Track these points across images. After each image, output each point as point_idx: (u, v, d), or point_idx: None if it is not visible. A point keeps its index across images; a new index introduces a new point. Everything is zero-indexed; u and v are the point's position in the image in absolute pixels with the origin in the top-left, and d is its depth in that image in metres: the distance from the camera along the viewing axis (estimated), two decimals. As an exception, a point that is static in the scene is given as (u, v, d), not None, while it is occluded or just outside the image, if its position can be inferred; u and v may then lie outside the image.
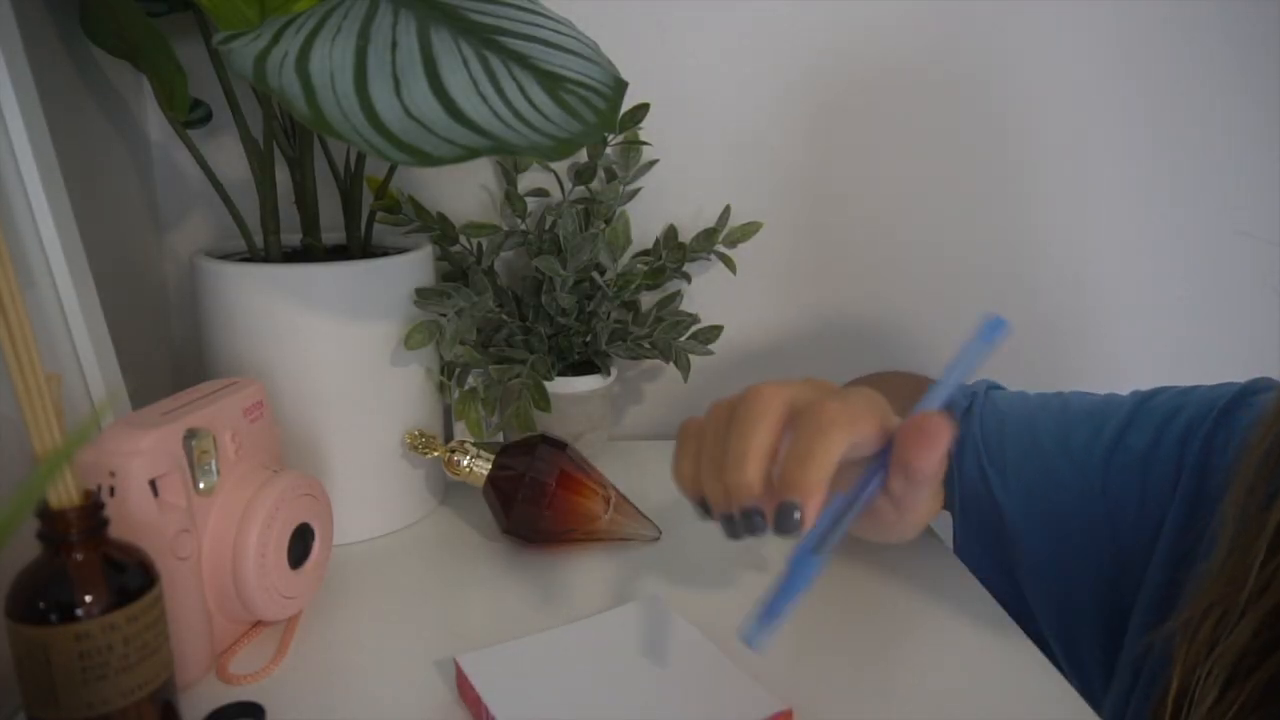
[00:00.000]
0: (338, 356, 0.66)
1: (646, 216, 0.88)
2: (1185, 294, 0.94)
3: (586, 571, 0.65)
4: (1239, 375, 0.61)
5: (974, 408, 0.67)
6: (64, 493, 0.39)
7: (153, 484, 0.48)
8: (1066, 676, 0.53)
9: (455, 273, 0.81)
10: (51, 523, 0.39)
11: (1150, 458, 0.58)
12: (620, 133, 0.82)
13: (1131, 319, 0.94)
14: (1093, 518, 0.60)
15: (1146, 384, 0.65)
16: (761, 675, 0.51)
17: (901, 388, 0.73)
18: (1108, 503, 0.59)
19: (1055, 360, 0.95)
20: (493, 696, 0.48)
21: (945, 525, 0.76)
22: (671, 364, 0.82)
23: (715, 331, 0.83)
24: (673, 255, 0.84)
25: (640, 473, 0.82)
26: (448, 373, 0.73)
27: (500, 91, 0.52)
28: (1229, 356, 0.95)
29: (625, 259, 0.83)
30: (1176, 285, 0.94)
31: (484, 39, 0.55)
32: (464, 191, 0.88)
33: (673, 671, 0.51)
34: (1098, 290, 0.94)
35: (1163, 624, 0.53)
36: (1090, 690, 0.60)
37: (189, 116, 0.73)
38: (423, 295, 0.69)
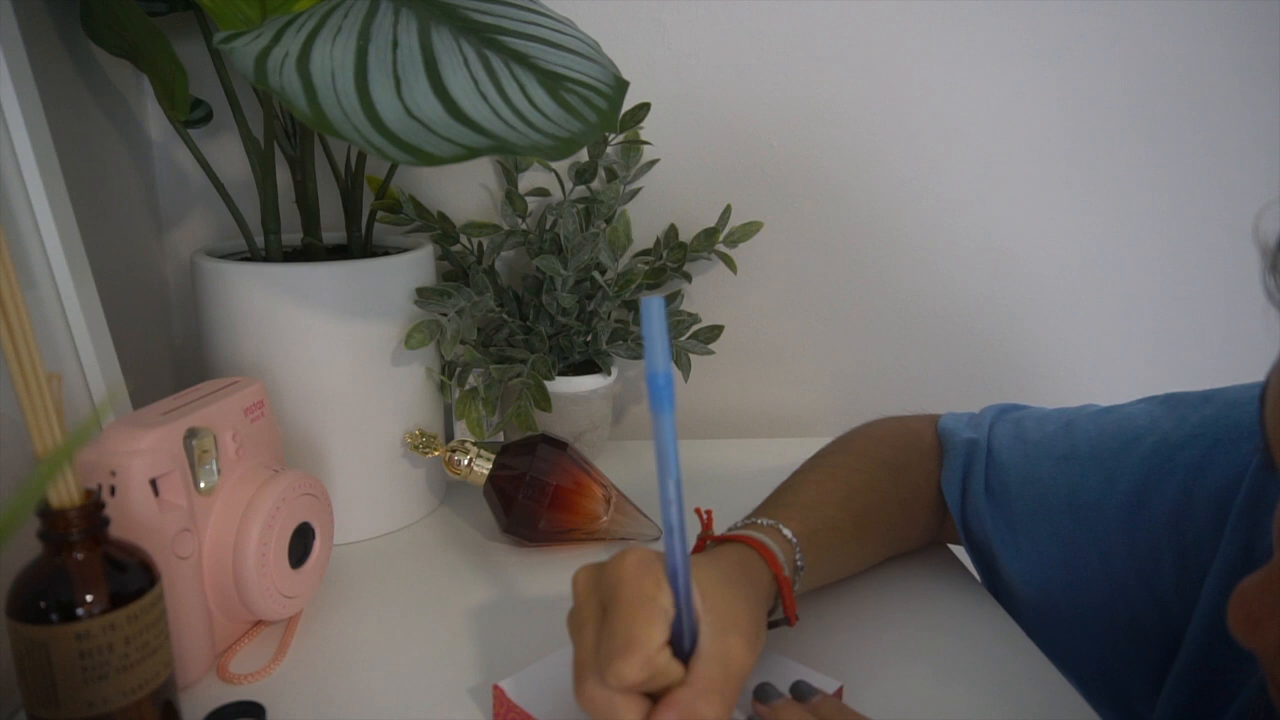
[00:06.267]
0: (338, 356, 0.66)
1: (647, 216, 0.88)
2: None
3: (587, 571, 0.65)
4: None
5: (973, 470, 0.62)
6: (65, 492, 0.39)
7: (153, 483, 0.48)
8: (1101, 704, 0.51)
9: (456, 272, 0.81)
10: (52, 522, 0.39)
11: (1182, 516, 0.53)
12: (621, 132, 0.82)
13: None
14: (1120, 581, 0.55)
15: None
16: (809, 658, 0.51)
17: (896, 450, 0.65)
18: (1137, 562, 0.54)
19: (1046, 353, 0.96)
20: (548, 715, 0.46)
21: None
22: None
23: (715, 331, 0.83)
24: (673, 255, 0.84)
25: (641, 472, 0.82)
26: (448, 372, 0.73)
27: (501, 91, 0.52)
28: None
29: (626, 258, 0.83)
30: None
31: (485, 38, 0.55)
32: (464, 191, 0.88)
33: None
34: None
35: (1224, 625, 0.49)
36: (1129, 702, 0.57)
37: (189, 116, 0.73)
38: (423, 295, 0.69)
